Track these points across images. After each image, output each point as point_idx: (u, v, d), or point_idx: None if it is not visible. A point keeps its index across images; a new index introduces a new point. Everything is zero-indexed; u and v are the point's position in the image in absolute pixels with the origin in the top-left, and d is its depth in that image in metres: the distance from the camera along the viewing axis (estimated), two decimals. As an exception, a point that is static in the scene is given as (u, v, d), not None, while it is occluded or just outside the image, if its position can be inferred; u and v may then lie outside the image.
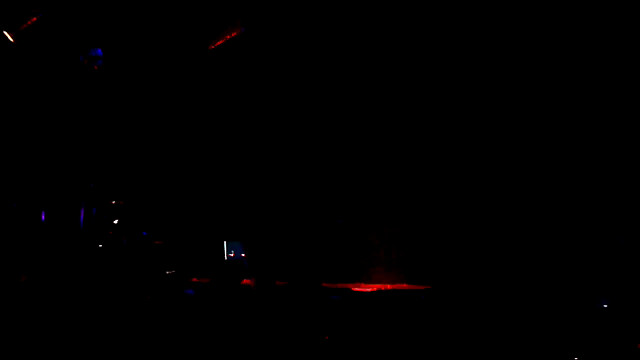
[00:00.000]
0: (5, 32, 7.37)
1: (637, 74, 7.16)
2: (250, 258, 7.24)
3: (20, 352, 6.23)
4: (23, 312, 6.48)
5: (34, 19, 6.77)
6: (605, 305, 6.61)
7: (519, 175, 7.59)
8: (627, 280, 6.83)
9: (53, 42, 7.82)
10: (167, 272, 7.19)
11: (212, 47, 6.78)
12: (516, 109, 7.60)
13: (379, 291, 6.95)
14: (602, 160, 7.41)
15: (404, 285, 7.12)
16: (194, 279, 7.20)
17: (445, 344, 6.68)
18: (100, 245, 7.31)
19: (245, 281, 7.32)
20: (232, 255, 7.60)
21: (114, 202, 7.56)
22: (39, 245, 7.22)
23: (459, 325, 6.77)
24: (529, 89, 7.60)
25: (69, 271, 6.98)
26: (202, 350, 6.63)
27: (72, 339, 6.49)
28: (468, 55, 7.63)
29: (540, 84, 7.55)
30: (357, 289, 6.96)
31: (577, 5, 7.31)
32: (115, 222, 7.50)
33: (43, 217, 7.40)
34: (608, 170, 7.37)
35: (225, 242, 7.63)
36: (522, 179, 7.59)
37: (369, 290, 6.94)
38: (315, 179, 8.12)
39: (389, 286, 7.11)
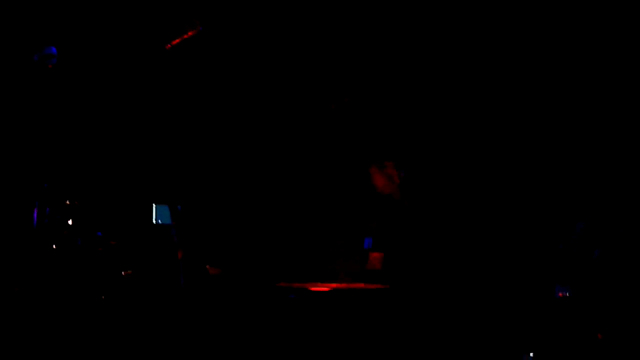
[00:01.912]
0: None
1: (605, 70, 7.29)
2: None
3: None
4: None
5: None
6: (564, 294, 6.71)
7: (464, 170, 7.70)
8: (586, 268, 6.93)
9: (4, 40, 7.71)
10: (124, 272, 7.16)
11: (169, 46, 6.73)
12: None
13: (335, 290, 6.99)
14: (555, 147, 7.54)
15: (361, 285, 7.16)
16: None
17: (401, 342, 6.75)
18: (55, 246, 7.23)
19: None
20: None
21: (68, 202, 7.48)
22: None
23: (415, 324, 6.85)
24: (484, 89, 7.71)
25: (23, 273, 6.90)
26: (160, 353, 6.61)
27: (25, 342, 6.43)
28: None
29: (505, 84, 7.67)
30: (314, 288, 6.99)
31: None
32: (70, 222, 7.42)
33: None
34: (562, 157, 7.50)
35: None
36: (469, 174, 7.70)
37: (325, 289, 6.97)
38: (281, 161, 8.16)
39: (344, 285, 7.14)
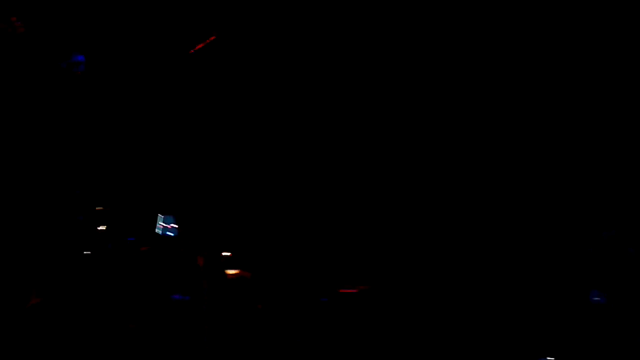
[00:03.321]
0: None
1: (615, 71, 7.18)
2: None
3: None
4: (13, 324, 6.50)
5: (18, 26, 6.74)
6: (599, 300, 6.61)
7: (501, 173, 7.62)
8: (620, 271, 6.83)
9: (34, 48, 7.80)
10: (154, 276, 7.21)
11: (192, 51, 6.77)
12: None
13: (365, 290, 6.98)
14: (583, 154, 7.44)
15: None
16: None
17: (431, 342, 6.71)
18: (88, 252, 7.31)
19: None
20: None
21: (99, 208, 7.55)
22: (27, 254, 7.21)
23: (445, 325, 6.79)
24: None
25: (58, 279, 6.99)
26: (189, 356, 6.65)
27: (62, 346, 6.51)
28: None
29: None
30: (343, 290, 6.98)
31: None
32: (101, 228, 7.50)
33: (29, 225, 7.40)
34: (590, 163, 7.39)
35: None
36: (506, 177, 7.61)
37: (354, 291, 6.96)
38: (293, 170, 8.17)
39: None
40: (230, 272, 7.37)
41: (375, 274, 7.35)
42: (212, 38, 6.54)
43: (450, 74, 7.74)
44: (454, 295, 6.94)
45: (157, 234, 7.67)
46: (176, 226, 7.48)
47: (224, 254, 7.46)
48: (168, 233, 7.57)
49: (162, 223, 7.73)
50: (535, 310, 6.70)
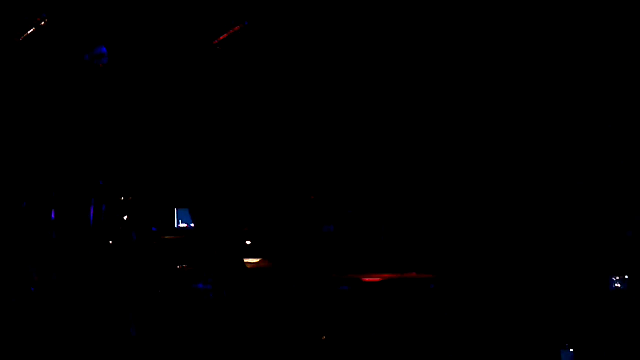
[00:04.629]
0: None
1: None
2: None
3: (35, 350, 6.30)
4: (36, 312, 6.55)
5: (39, 21, 6.79)
6: (620, 286, 6.60)
7: (522, 168, 7.62)
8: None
9: (57, 40, 7.85)
10: (178, 266, 7.25)
11: (216, 42, 6.79)
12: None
13: (388, 280, 6.99)
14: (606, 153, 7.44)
15: (413, 274, 7.15)
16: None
17: (453, 332, 6.72)
18: (111, 242, 7.36)
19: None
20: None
21: (122, 198, 7.60)
22: (50, 244, 7.28)
23: (467, 314, 6.81)
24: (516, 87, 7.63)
25: (82, 268, 7.04)
26: (213, 345, 6.68)
27: (87, 337, 6.56)
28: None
29: (527, 82, 7.59)
30: (366, 279, 7.00)
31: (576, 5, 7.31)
32: (125, 218, 7.54)
33: (53, 215, 7.45)
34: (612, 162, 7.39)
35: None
36: (525, 172, 7.61)
37: (378, 280, 6.98)
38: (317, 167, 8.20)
39: (396, 275, 7.14)
40: (251, 261, 7.41)
41: (400, 263, 7.38)
42: (236, 28, 6.55)
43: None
44: (478, 289, 6.97)
45: (177, 225, 7.75)
46: (194, 218, 7.56)
47: (244, 243, 7.51)
48: (187, 224, 7.64)
49: (180, 214, 7.80)
50: (556, 302, 6.72)
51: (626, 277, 6.58)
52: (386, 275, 7.18)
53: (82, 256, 7.16)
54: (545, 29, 7.37)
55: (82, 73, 7.57)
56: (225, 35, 6.75)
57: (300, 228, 7.94)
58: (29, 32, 6.84)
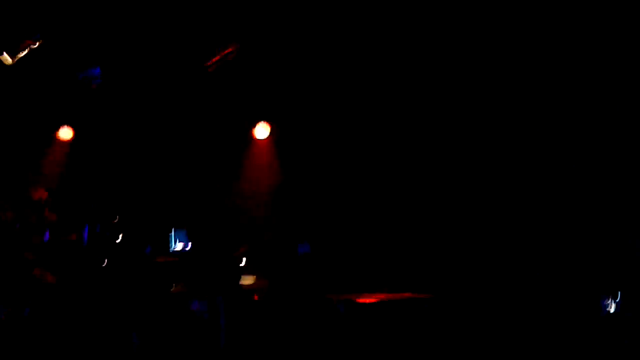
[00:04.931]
0: (4, 54, 7.40)
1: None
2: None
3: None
4: (35, 331, 6.54)
5: (32, 43, 6.80)
6: (612, 305, 6.58)
7: (518, 181, 7.61)
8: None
9: (51, 61, 7.84)
10: (172, 287, 7.24)
11: (209, 64, 6.80)
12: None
13: (383, 302, 6.96)
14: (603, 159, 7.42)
15: (408, 294, 7.13)
16: None
17: (449, 351, 6.70)
18: (105, 263, 7.36)
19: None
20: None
21: (115, 220, 7.61)
22: (46, 265, 7.27)
23: (463, 332, 6.78)
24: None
25: (76, 288, 7.03)
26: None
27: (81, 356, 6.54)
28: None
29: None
30: (361, 300, 6.96)
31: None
32: (118, 239, 7.55)
33: (47, 236, 7.46)
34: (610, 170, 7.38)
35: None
36: (522, 185, 7.60)
37: (373, 301, 6.94)
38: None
39: (391, 296, 7.11)
40: (247, 281, 7.39)
41: (394, 282, 7.36)
42: (229, 50, 6.56)
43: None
44: (480, 300, 6.94)
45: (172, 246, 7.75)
46: (190, 239, 7.55)
47: (239, 263, 7.49)
48: (182, 246, 7.64)
49: (176, 236, 7.79)
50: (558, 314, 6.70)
51: (618, 296, 6.59)
52: (381, 296, 7.15)
53: (78, 276, 7.16)
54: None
55: (76, 93, 7.59)
56: (217, 57, 6.75)
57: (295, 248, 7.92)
58: (22, 54, 6.84)
